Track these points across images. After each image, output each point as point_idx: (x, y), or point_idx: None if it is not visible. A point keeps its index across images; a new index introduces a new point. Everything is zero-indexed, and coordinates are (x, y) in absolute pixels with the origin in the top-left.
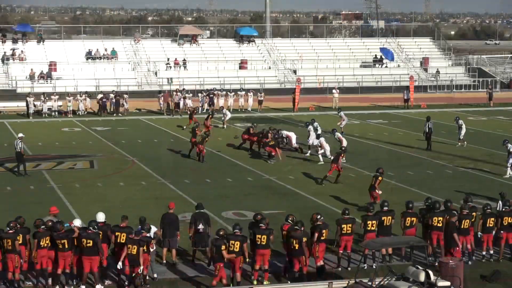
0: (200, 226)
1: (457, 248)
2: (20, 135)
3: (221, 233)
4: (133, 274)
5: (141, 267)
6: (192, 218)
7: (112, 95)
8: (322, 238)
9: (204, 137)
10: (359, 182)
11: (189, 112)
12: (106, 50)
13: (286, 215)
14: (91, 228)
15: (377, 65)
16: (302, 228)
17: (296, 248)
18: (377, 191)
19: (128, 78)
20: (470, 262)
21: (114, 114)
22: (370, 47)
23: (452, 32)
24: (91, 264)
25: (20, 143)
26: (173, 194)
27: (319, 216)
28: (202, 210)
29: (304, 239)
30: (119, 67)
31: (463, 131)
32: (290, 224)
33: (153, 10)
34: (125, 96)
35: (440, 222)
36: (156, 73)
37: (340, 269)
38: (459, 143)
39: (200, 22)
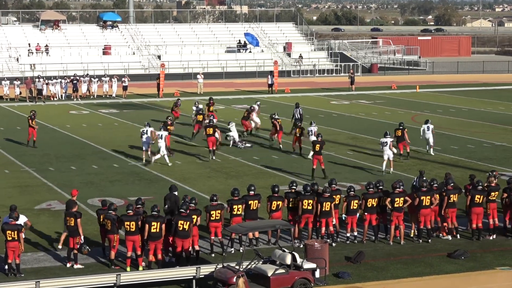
0: None
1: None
2: None
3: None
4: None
5: (82, 236)
6: None
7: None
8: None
9: None
10: (226, 168)
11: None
12: None
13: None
14: None
15: (241, 50)
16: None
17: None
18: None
19: None
20: (334, 244)
21: None
22: (234, 32)
23: (314, 18)
24: None
25: None
26: (38, 182)
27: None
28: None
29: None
30: None
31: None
32: None
33: None
34: None
35: (310, 205)
36: (17, 59)
37: (213, 255)
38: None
39: (62, 8)
